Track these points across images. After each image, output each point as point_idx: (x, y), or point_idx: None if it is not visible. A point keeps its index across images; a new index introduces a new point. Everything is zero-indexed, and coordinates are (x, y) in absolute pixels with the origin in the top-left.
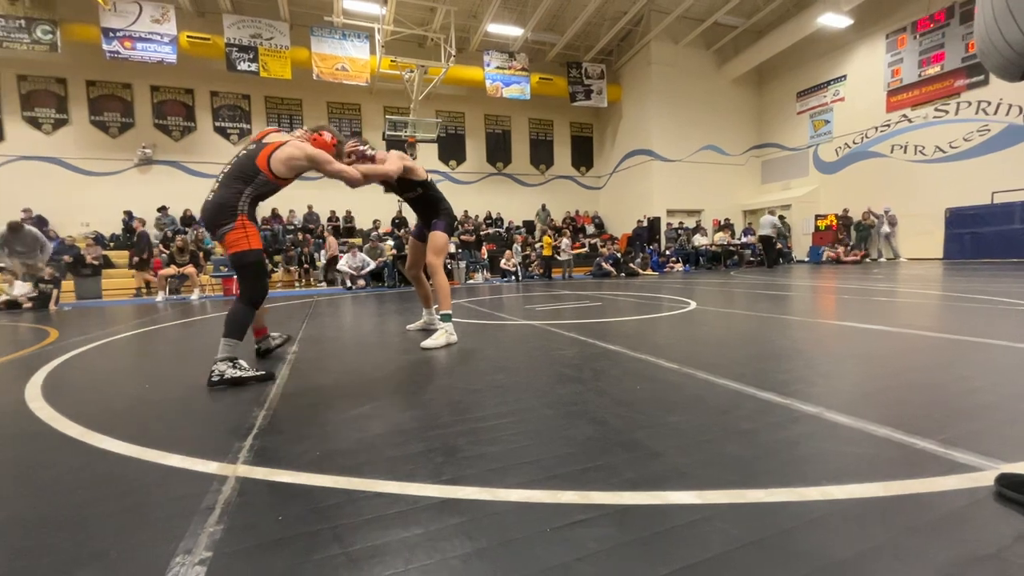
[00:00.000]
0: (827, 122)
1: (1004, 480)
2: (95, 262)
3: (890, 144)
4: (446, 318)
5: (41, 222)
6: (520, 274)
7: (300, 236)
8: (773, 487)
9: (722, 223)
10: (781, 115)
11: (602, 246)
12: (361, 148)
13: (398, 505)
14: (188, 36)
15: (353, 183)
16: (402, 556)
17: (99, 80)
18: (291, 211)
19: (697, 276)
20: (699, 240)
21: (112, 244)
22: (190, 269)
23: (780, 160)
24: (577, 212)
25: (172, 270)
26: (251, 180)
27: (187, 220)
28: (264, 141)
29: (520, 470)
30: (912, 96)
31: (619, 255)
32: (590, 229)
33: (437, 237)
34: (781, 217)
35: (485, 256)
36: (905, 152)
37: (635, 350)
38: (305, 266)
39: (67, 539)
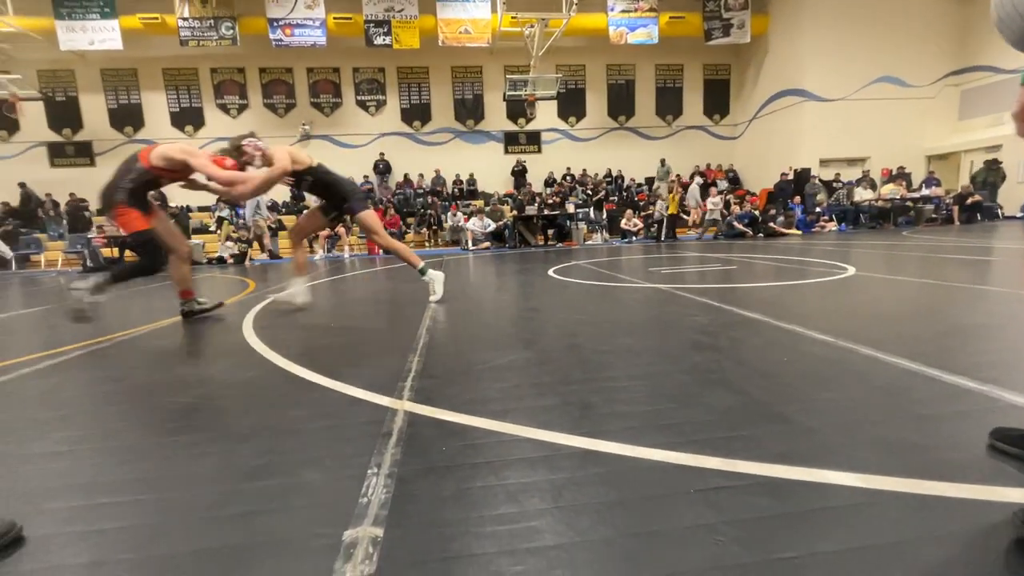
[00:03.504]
0: None
1: (998, 434)
2: (272, 226)
3: None
4: (424, 272)
5: None
6: (661, 232)
7: (429, 199)
8: (961, 482)
9: (894, 173)
10: None
11: (736, 203)
12: (259, 148)
13: (543, 450)
14: (334, 18)
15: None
16: (551, 494)
17: (268, 67)
18: (420, 175)
19: (857, 237)
20: (862, 194)
21: (284, 210)
22: (341, 230)
23: (989, 88)
24: (708, 166)
25: (328, 231)
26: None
27: None
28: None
29: (658, 432)
30: None
31: (756, 213)
32: (722, 184)
33: (367, 218)
34: (996, 161)
35: (604, 216)
36: None
37: (779, 319)
38: (433, 227)
39: (292, 445)
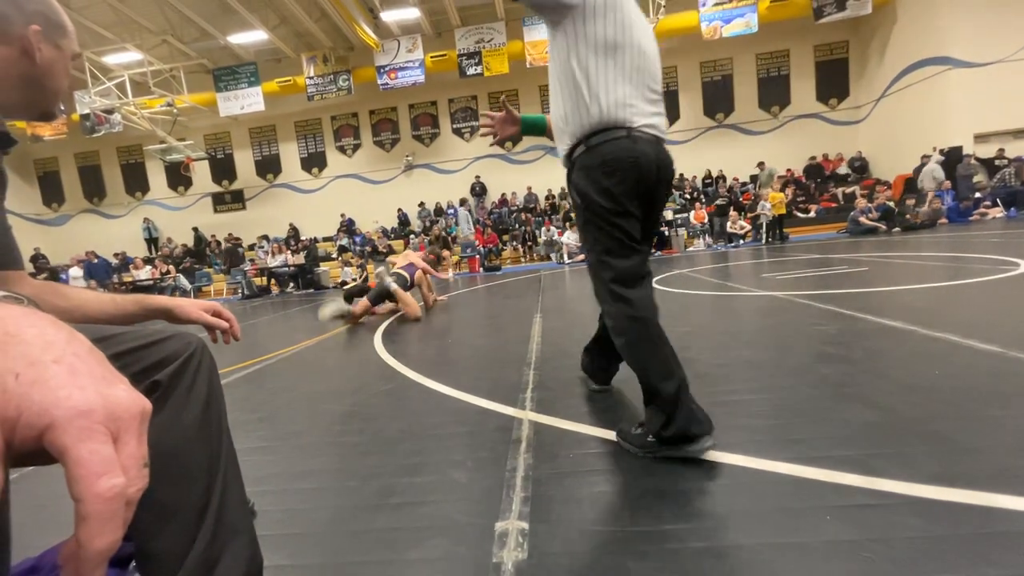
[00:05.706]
0: None
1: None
2: (384, 250)
3: None
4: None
5: (351, 223)
6: (768, 234)
7: (523, 216)
8: None
9: None
10: None
11: (862, 193)
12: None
13: (665, 459)
14: (431, 56)
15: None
16: (678, 502)
17: (376, 108)
18: (513, 193)
19: None
20: None
21: (392, 235)
22: (445, 252)
23: None
24: (825, 156)
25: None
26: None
27: (438, 211)
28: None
29: (787, 446)
30: None
31: (891, 204)
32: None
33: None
34: None
35: (705, 220)
36: None
37: (929, 327)
38: (528, 243)
39: (436, 447)
